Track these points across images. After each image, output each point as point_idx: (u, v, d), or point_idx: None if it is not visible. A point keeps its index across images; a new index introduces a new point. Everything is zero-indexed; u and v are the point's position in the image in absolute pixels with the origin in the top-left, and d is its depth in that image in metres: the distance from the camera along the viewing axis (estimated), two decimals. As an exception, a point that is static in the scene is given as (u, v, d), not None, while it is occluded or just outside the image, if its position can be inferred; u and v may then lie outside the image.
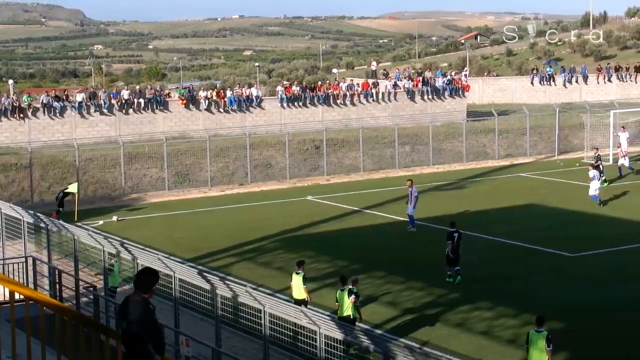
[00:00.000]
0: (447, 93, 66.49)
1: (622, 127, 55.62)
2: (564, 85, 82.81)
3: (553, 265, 31.28)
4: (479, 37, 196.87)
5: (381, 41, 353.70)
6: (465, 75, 75.22)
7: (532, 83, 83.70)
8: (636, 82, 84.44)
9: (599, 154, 47.62)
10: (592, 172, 42.29)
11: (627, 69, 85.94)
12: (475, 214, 40.57)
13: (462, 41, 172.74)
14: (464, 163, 55.84)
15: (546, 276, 29.95)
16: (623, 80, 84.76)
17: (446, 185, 48.34)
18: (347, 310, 22.62)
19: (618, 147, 51.45)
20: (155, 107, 58.13)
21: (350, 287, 22.91)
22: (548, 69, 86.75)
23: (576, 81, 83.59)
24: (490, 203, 43.15)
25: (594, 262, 31.63)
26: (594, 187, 41.87)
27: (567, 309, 25.95)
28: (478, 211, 41.19)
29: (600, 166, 44.81)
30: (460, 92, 67.19)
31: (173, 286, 22.09)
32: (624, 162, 49.72)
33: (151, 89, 61.88)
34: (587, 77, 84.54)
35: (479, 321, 25.02)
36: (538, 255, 32.84)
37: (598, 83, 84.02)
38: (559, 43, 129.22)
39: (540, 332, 19.31)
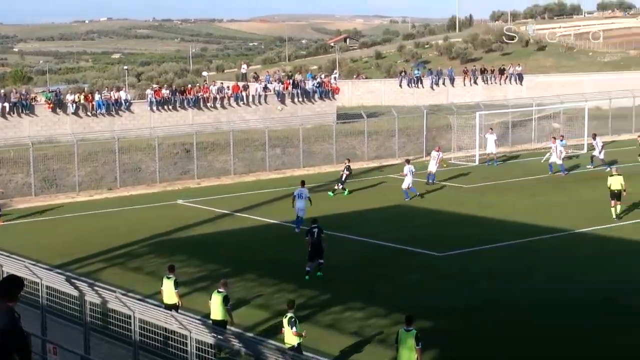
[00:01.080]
0: (317, 95, 67.08)
1: (491, 128, 57.41)
2: (432, 87, 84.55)
3: (421, 265, 31.90)
4: (348, 40, 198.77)
5: (251, 44, 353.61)
6: (335, 77, 76.08)
7: (400, 85, 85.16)
8: (501, 84, 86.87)
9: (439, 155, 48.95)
10: (407, 168, 44.17)
11: (492, 72, 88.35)
12: (345, 215, 41.02)
13: (332, 44, 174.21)
14: (334, 165, 56.37)
15: (415, 276, 30.52)
16: (488, 83, 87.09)
17: (317, 187, 48.66)
18: (223, 314, 22.66)
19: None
20: (20, 111, 56.85)
21: (221, 290, 22.89)
22: (416, 72, 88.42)
23: (443, 83, 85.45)
24: (359, 204, 43.67)
25: (461, 262, 32.34)
26: (407, 182, 44.27)
27: (436, 308, 26.50)
28: (348, 212, 41.66)
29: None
30: (330, 95, 67.87)
31: (40, 293, 21.64)
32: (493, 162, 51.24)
33: (16, 92, 60.41)
34: (454, 79, 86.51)
35: (350, 322, 25.32)
36: (407, 255, 33.43)
37: (464, 85, 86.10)
38: (426, 46, 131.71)
39: (409, 331, 19.66)
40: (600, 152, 53.18)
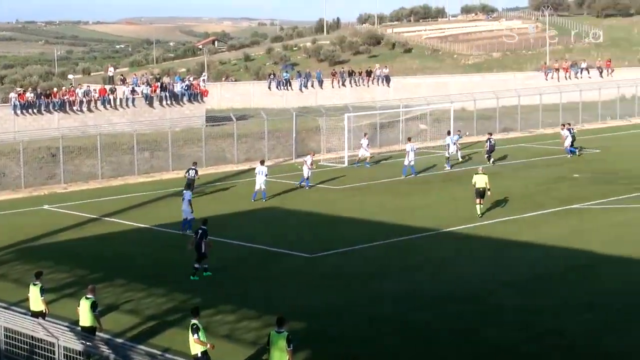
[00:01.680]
0: (185, 98, 66.56)
1: (365, 133, 58.46)
2: (301, 89, 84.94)
3: (293, 267, 32.00)
4: (216, 42, 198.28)
5: (118, 46, 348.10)
6: (204, 80, 75.59)
7: (269, 88, 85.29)
8: (369, 86, 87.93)
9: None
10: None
11: (360, 74, 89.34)
12: (216, 218, 40.78)
13: (200, 46, 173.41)
14: (204, 168, 56.03)
15: (286, 278, 30.60)
16: (356, 85, 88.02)
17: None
18: (91, 320, 22.27)
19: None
20: None
21: (89, 296, 22.47)
22: (285, 74, 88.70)
23: (312, 85, 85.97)
24: (230, 207, 43.56)
25: (332, 262, 32.58)
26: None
27: (307, 309, 26.63)
28: (218, 215, 41.45)
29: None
30: (199, 98, 67.44)
31: None
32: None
33: None
34: (322, 81, 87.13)
35: (221, 325, 25.21)
36: (278, 257, 33.49)
37: (333, 87, 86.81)
38: (294, 48, 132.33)
39: (280, 333, 19.70)
40: (457, 151, 55.43)
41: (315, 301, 27.63)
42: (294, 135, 61.22)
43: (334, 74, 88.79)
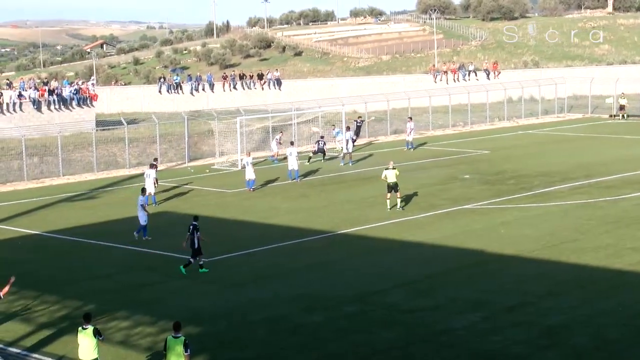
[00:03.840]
0: (74, 102, 65.56)
1: (281, 131, 59.14)
2: (192, 93, 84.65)
3: (187, 271, 31.81)
4: (105, 46, 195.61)
5: (3, 50, 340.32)
6: (93, 84, 74.56)
7: (160, 91, 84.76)
8: (262, 89, 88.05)
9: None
10: (149, 172, 44.66)
11: (251, 77, 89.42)
12: (108, 224, 40.35)
13: (89, 50, 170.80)
14: (95, 173, 55.27)
15: (181, 282, 30.42)
16: (247, 88, 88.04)
17: (78, 196, 47.61)
18: None
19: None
20: None
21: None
22: (175, 78, 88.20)
23: (203, 89, 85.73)
24: (123, 212, 43.02)
25: (226, 266, 32.53)
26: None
27: (203, 313, 26.55)
28: (111, 220, 40.98)
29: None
30: (89, 102, 66.55)
31: None
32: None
33: None
34: (214, 85, 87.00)
35: (116, 331, 24.92)
36: (172, 261, 33.25)
37: (224, 90, 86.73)
38: (184, 52, 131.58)
39: (177, 338, 19.61)
40: (347, 147, 56.73)
41: (210, 305, 27.54)
42: (186, 139, 60.85)
43: (225, 78, 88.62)
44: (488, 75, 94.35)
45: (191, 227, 31.52)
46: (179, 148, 61.51)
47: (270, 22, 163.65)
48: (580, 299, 27.27)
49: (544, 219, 38.90)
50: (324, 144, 59.09)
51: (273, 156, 59.14)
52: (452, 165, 55.50)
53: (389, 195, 40.86)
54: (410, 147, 62.63)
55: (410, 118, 64.92)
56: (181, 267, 31.31)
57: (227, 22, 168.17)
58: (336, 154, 60.08)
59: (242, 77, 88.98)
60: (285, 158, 53.34)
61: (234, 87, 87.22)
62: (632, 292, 27.96)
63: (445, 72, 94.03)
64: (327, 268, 32.01)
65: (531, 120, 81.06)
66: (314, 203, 44.31)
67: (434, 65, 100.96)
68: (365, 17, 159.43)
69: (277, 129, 65.90)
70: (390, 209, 40.70)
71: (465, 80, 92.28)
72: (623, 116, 78.91)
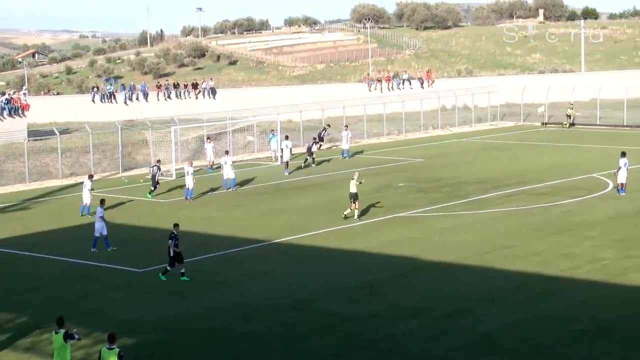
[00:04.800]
0: (6, 112, 64.66)
1: (209, 138, 58.99)
2: (125, 102, 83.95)
3: (123, 282, 31.63)
4: (36, 55, 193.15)
5: None
6: (25, 94, 73.57)
7: (93, 101, 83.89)
8: (197, 98, 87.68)
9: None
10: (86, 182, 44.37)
11: (186, 86, 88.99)
12: (42, 235, 39.90)
13: (20, 59, 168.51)
14: (27, 184, 54.56)
15: (116, 293, 30.22)
16: (182, 97, 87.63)
17: (9, 207, 46.97)
18: None
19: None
20: None
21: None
22: (109, 87, 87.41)
23: (137, 98, 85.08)
24: (57, 223, 42.60)
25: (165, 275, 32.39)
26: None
27: (138, 324, 26.41)
28: (45, 231, 40.54)
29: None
30: (20, 112, 65.68)
31: None
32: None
33: None
34: (148, 94, 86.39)
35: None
36: (108, 272, 33.02)
37: (158, 100, 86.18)
38: (118, 61, 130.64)
39: (112, 350, 19.55)
40: (289, 156, 56.79)
41: (146, 316, 27.41)
42: (120, 148, 60.37)
43: (159, 87, 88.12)
44: (422, 83, 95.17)
45: (171, 235, 31.74)
46: (112, 158, 61.00)
47: (205, 31, 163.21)
48: (514, 305, 27.69)
49: (478, 226, 39.40)
50: (313, 144, 61.63)
51: (209, 165, 59.08)
52: (388, 173, 55.88)
53: (352, 205, 41.05)
54: (346, 155, 62.94)
55: (346, 126, 65.26)
56: (160, 274, 31.50)
57: (161, 31, 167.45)
58: (269, 163, 60.17)
59: (176, 86, 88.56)
60: (220, 167, 53.23)
61: (169, 97, 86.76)
62: (563, 297, 28.47)
63: (380, 80, 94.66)
64: (265, 276, 32.04)
65: (465, 128, 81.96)
66: (250, 212, 44.29)
67: (368, 74, 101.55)
68: (299, 26, 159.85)
69: (212, 138, 65.73)
70: (345, 217, 40.84)
71: (400, 89, 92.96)
72: (570, 125, 79.13)
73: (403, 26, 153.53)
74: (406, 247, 35.52)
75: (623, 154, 46.04)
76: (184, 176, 51.02)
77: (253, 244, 36.91)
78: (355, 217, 41.03)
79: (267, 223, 41.24)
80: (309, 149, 60.48)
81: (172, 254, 31.47)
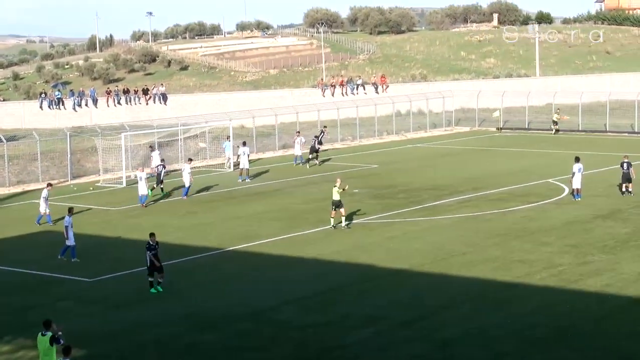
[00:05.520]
0: (-50, 119, 63.86)
1: (152, 146, 58.44)
2: (74, 108, 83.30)
3: (72, 292, 31.30)
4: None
5: None
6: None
7: (41, 107, 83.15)
8: (148, 104, 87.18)
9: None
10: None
11: (136, 92, 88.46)
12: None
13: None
14: (-27, 192, 53.83)
15: (66, 303, 29.89)
16: (132, 103, 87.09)
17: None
18: None
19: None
20: None
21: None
22: (57, 93, 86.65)
23: (86, 104, 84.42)
24: (3, 232, 42.07)
25: (113, 286, 32.09)
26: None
27: (89, 335, 26.10)
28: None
29: None
30: (-35, 118, 64.83)
31: None
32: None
33: None
34: (97, 100, 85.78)
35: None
36: (56, 283, 32.66)
37: (108, 106, 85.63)
38: (66, 66, 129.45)
39: (45, 335, 20.24)
40: (247, 163, 56.27)
41: (96, 326, 27.14)
42: (68, 156, 59.75)
43: (108, 93, 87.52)
44: (376, 89, 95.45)
45: (153, 245, 31.36)
46: (61, 165, 60.37)
47: (155, 35, 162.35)
48: (471, 312, 27.78)
49: (433, 232, 39.54)
50: (317, 142, 63.18)
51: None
52: (342, 180, 55.79)
53: (333, 213, 40.49)
54: (299, 161, 62.86)
55: (298, 132, 65.16)
56: (151, 289, 31.01)
57: (111, 35, 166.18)
58: (222, 170, 59.98)
59: (126, 92, 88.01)
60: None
61: (118, 103, 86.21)
62: (521, 304, 28.61)
63: (333, 85, 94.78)
64: (217, 285, 31.87)
65: (420, 133, 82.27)
66: (202, 219, 44.05)
67: (322, 79, 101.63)
68: (252, 30, 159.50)
69: (164, 145, 65.42)
70: (334, 227, 40.41)
71: (354, 94, 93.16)
72: (556, 131, 78.12)
73: (357, 31, 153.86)
74: (361, 254, 35.52)
75: (577, 160, 46.45)
76: (134, 184, 50.72)
77: (205, 252, 36.70)
78: (343, 224, 40.43)
79: (220, 231, 41.05)
80: (313, 148, 62.53)
81: (147, 264, 31.00)
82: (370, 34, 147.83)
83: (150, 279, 31.08)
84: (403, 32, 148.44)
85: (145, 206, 47.45)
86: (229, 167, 60.61)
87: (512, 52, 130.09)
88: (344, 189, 40.88)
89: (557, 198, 46.93)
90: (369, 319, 27.20)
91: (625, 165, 47.03)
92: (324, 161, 64.47)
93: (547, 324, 26.26)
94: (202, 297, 30.30)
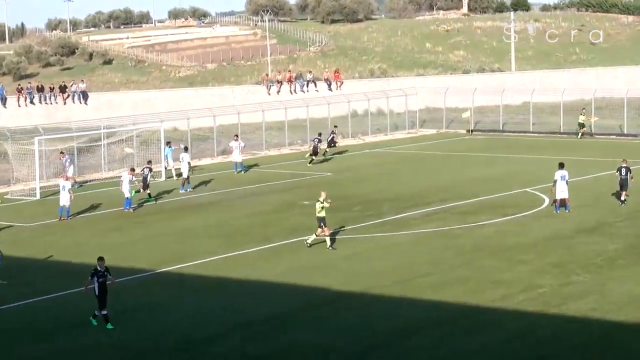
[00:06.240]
0: None
1: (62, 152, 59.17)
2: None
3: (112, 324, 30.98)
4: None
5: None
6: None
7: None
8: (65, 104, 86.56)
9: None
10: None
11: (52, 89, 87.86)
12: None
13: None
14: None
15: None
16: (47, 103, 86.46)
17: None
18: None
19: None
20: None
21: None
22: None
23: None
24: None
25: (20, 315, 31.73)
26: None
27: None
28: None
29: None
30: None
31: None
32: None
33: None
34: (6, 99, 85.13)
35: None
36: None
37: (19, 106, 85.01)
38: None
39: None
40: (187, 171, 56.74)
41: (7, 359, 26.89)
42: (-26, 163, 59.23)
43: (20, 90, 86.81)
44: (329, 85, 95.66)
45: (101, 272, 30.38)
46: (-35, 174, 59.83)
47: (74, 24, 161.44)
48: (439, 341, 27.84)
49: (395, 250, 39.61)
50: (319, 141, 67.20)
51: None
52: (290, 190, 55.85)
53: (319, 231, 39.78)
54: (240, 169, 62.73)
55: (236, 136, 64.86)
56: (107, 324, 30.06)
57: (22, 24, 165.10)
58: (154, 180, 59.73)
59: (40, 89, 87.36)
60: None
61: (31, 102, 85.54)
62: (495, 331, 28.73)
63: (280, 82, 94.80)
64: (147, 312, 31.66)
65: (379, 137, 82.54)
66: (129, 237, 43.79)
67: (267, 75, 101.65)
68: (186, 19, 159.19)
69: (84, 151, 64.98)
70: (309, 244, 39.98)
71: (304, 92, 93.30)
72: (582, 134, 77.55)
73: (307, 19, 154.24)
74: (313, 276, 35.49)
75: (561, 166, 46.68)
76: (49, 195, 50.34)
77: (133, 275, 36.43)
78: (328, 244, 39.88)
79: (150, 250, 40.82)
80: (315, 148, 66.90)
81: (96, 293, 30.13)
82: (323, 22, 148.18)
83: (104, 312, 30.12)
84: (360, 20, 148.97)
85: (69, 219, 47.04)
86: (174, 176, 60.34)
87: (484, 43, 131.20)
88: (329, 204, 40.11)
89: (536, 210, 47.28)
90: (321, 350, 27.16)
91: (623, 170, 47.46)
92: (251, 167, 64.49)
93: (525, 354, 26.40)
94: (129, 326, 30.07)
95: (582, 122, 77.69)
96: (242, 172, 62.52)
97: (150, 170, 53.49)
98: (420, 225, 44.37)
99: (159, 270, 37.09)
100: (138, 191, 52.07)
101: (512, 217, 45.73)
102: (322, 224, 39.74)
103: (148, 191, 52.79)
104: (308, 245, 39.98)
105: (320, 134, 68.26)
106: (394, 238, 41.93)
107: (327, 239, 39.97)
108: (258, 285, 34.75)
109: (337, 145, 70.58)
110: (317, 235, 39.99)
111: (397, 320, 29.90)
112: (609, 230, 42.19)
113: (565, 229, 42.49)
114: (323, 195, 40.34)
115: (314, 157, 66.44)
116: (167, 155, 62.26)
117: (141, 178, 52.55)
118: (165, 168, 61.55)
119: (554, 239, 40.71)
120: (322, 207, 39.74)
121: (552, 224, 43.69)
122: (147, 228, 45.84)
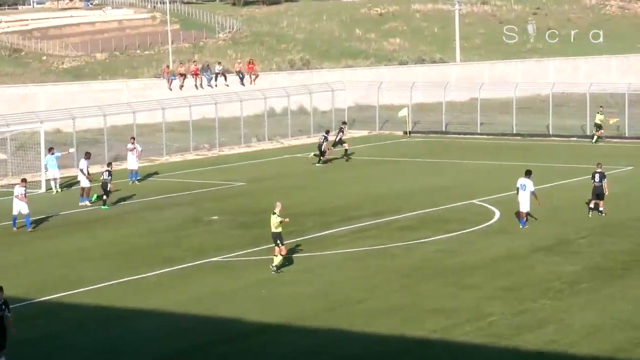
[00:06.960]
0: None
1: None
2: None
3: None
4: None
5: None
6: None
7: None
8: None
9: None
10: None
11: None
12: None
13: None
14: None
15: None
16: None
17: None
18: None
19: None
20: None
21: None
22: None
23: None
24: None
25: None
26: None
27: None
28: None
29: None
30: None
31: None
32: None
33: None
34: None
35: None
36: None
37: None
38: None
39: None
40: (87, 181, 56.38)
41: None
42: None
43: None
44: (242, 79, 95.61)
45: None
46: None
47: None
48: (371, 380, 27.92)
49: (319, 272, 39.67)
50: (326, 139, 69.43)
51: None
52: (195, 202, 55.66)
53: (276, 250, 39.62)
54: (134, 178, 62.35)
55: (133, 139, 64.39)
56: None
57: None
58: (35, 191, 59.24)
59: None
60: None
61: None
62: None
63: (184, 75, 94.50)
64: (24, 349, 31.31)
65: (301, 139, 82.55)
66: (2, 260, 43.30)
67: (168, 67, 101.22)
68: (71, 0, 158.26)
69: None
70: (276, 269, 39.61)
71: (212, 87, 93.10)
72: (598, 138, 75.96)
73: (215, 1, 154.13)
74: (222, 304, 35.43)
75: (528, 173, 46.36)
76: None
77: (13, 304, 36.02)
78: (274, 263, 39.59)
79: (29, 275, 40.45)
80: (320, 147, 69.10)
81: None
82: (234, 4, 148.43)
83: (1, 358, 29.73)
84: (278, 2, 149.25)
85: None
86: (56, 188, 59.67)
87: (423, 29, 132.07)
88: (283, 220, 39.83)
89: (484, 225, 47.64)
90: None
91: (597, 176, 47.84)
92: (149, 175, 64.25)
93: (472, 394, 26.60)
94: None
95: (599, 122, 75.99)
96: (137, 182, 62.12)
97: (110, 174, 54.78)
98: (350, 244, 44.47)
99: (39, 299, 36.76)
100: (100, 196, 54.21)
101: (457, 233, 46.01)
102: (278, 242, 39.60)
103: (104, 197, 54.09)
104: (275, 271, 39.51)
105: (327, 132, 70.51)
106: (320, 259, 41.99)
107: (276, 258, 39.68)
108: (157, 316, 34.59)
109: (344, 144, 71.86)
110: (281, 255, 39.65)
111: (323, 356, 29.94)
112: (569, 249, 42.61)
113: (520, 247, 42.80)
114: (279, 206, 40.23)
115: (321, 157, 68.68)
116: (47, 163, 60.90)
117: (100, 184, 54.46)
118: (53, 179, 60.42)
119: (505, 259, 41.03)
120: (280, 222, 39.60)
121: (504, 242, 43.98)
122: (25, 249, 45.34)
